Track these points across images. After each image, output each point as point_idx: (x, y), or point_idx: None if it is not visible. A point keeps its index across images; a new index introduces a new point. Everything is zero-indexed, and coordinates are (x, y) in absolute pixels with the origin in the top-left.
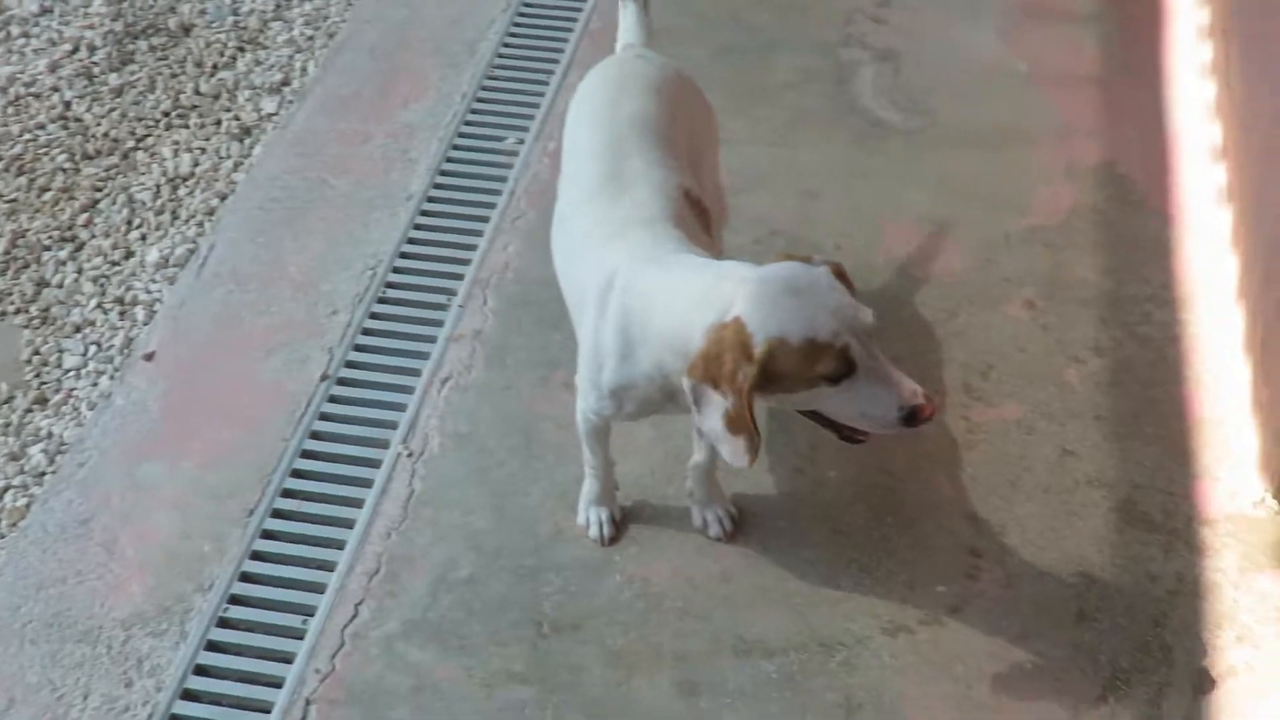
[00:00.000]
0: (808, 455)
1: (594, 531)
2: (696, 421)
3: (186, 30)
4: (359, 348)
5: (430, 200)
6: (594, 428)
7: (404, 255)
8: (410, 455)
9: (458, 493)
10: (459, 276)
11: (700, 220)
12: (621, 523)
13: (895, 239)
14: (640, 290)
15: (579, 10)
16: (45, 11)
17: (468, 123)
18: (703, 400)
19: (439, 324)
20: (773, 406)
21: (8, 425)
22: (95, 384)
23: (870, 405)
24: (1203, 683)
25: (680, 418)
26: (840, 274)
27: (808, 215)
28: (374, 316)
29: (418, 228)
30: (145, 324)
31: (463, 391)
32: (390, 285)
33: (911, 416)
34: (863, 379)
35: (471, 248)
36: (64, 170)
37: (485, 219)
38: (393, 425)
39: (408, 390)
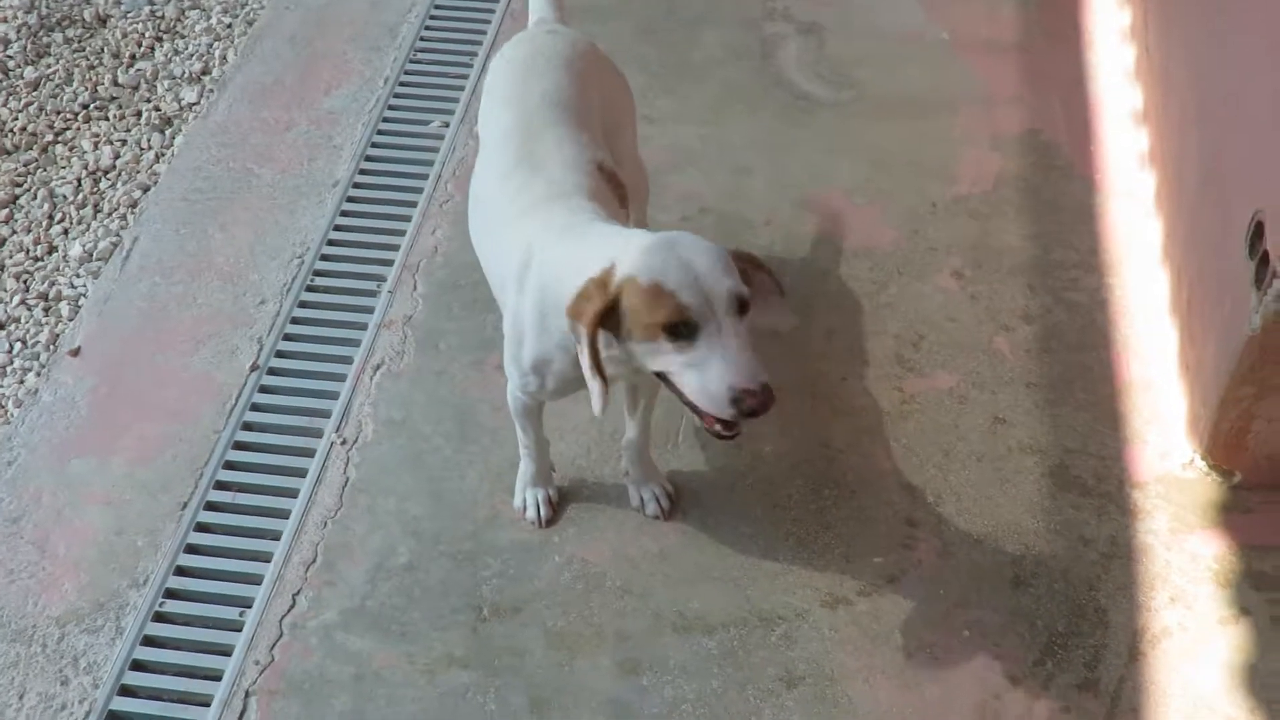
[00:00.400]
0: (744, 431)
1: (531, 513)
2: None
3: (102, 21)
4: (289, 337)
5: (356, 186)
6: (524, 407)
7: (331, 243)
8: (344, 443)
9: (393, 479)
10: (388, 262)
11: (616, 194)
12: (559, 504)
13: (824, 212)
14: (552, 261)
15: None
16: None
17: (391, 107)
18: (578, 339)
19: (369, 311)
20: (630, 363)
21: None
22: (21, 381)
23: (707, 379)
24: (1137, 644)
25: (614, 396)
26: (750, 261)
27: (738, 191)
28: (303, 305)
29: (345, 214)
30: (70, 319)
31: (395, 378)
32: (319, 273)
33: (739, 401)
34: (704, 347)
35: (399, 233)
36: None
37: (413, 204)
38: (325, 414)
39: (339, 378)
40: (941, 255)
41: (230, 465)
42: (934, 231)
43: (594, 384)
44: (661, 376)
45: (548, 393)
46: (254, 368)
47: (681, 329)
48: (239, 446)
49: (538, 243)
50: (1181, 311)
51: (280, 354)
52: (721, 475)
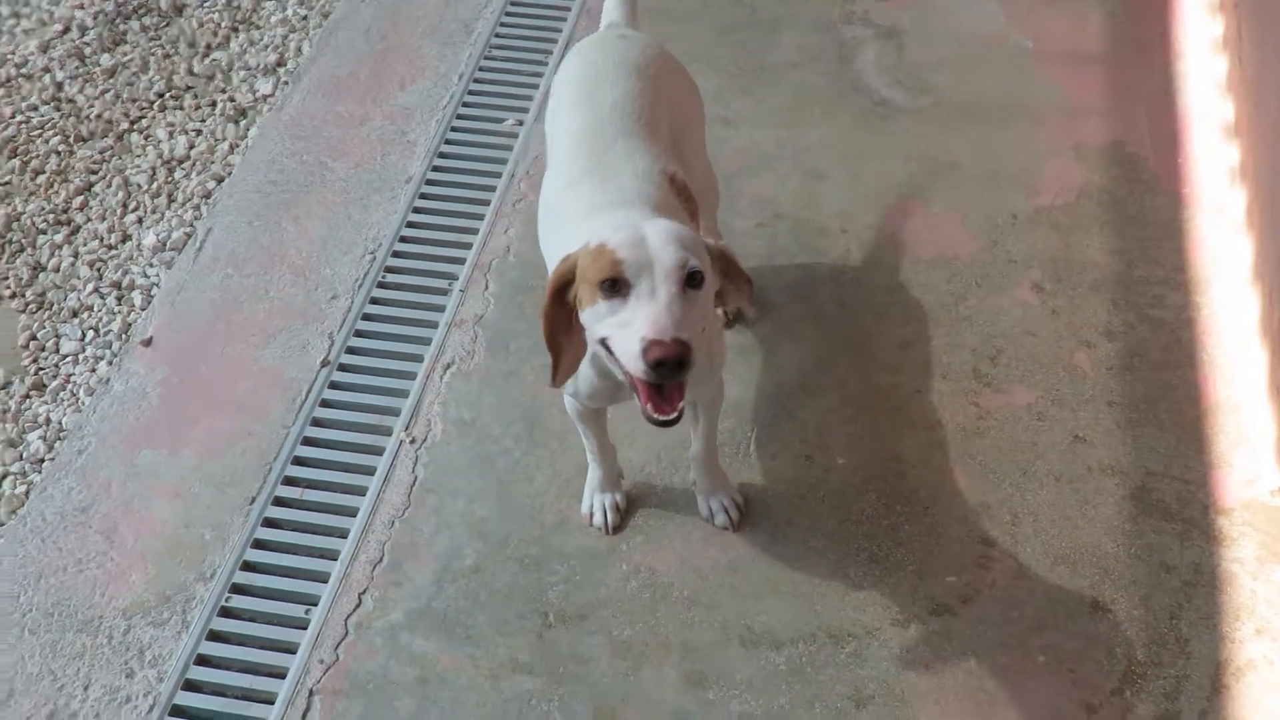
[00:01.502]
0: (816, 442)
1: (598, 519)
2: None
3: (179, 10)
4: (360, 333)
5: (429, 183)
6: (579, 413)
7: (404, 239)
8: (413, 442)
9: (461, 480)
10: (460, 261)
11: (686, 207)
12: (627, 511)
13: (901, 220)
14: None
15: None
16: None
17: (466, 104)
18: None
19: (440, 309)
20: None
21: (5, 412)
22: (94, 370)
23: (628, 336)
24: (1220, 676)
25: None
26: (725, 259)
27: (813, 197)
28: (374, 301)
29: (417, 211)
30: (143, 309)
31: (465, 378)
32: (390, 270)
33: (646, 352)
34: (631, 305)
35: (472, 231)
36: (58, 153)
37: (485, 202)
38: (395, 412)
39: (409, 376)
40: (1021, 268)
41: (299, 461)
42: (1014, 243)
43: (552, 356)
44: (609, 350)
45: (584, 397)
46: (324, 363)
47: (615, 285)
48: (308, 442)
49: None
50: (1272, 332)
51: (351, 350)
52: (792, 487)
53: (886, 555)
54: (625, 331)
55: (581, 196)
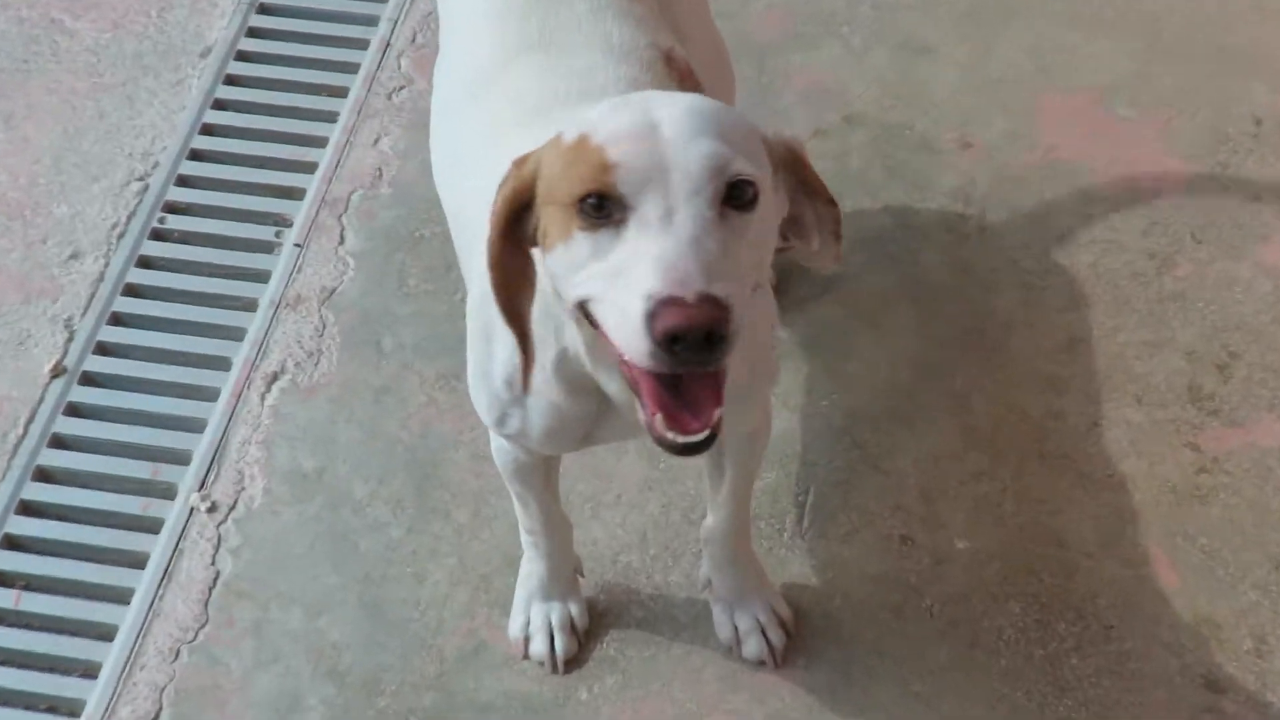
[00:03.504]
0: (917, 511)
1: (539, 647)
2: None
3: None
4: (119, 320)
5: (242, 59)
6: (515, 464)
7: (196, 156)
8: (212, 510)
9: (298, 578)
10: (295, 194)
11: None
12: (589, 633)
13: (1063, 129)
14: None
15: None
16: None
17: None
18: (490, 266)
19: (261, 278)
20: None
21: None
22: None
23: (625, 293)
24: None
25: None
26: (793, 155)
27: (911, 86)
28: (144, 265)
29: (220, 107)
30: None
31: (305, 398)
32: (173, 209)
33: (653, 318)
34: (630, 239)
35: (316, 143)
36: None
37: (340, 92)
38: (180, 458)
39: (206, 396)
40: (1271, 211)
41: (12, 545)
42: (1257, 169)
43: (509, 337)
44: (593, 324)
45: (535, 437)
46: (57, 372)
47: (603, 206)
48: (29, 511)
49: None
50: None
51: (103, 350)
52: (877, 590)
53: (1044, 710)
54: (617, 285)
55: (516, 89)
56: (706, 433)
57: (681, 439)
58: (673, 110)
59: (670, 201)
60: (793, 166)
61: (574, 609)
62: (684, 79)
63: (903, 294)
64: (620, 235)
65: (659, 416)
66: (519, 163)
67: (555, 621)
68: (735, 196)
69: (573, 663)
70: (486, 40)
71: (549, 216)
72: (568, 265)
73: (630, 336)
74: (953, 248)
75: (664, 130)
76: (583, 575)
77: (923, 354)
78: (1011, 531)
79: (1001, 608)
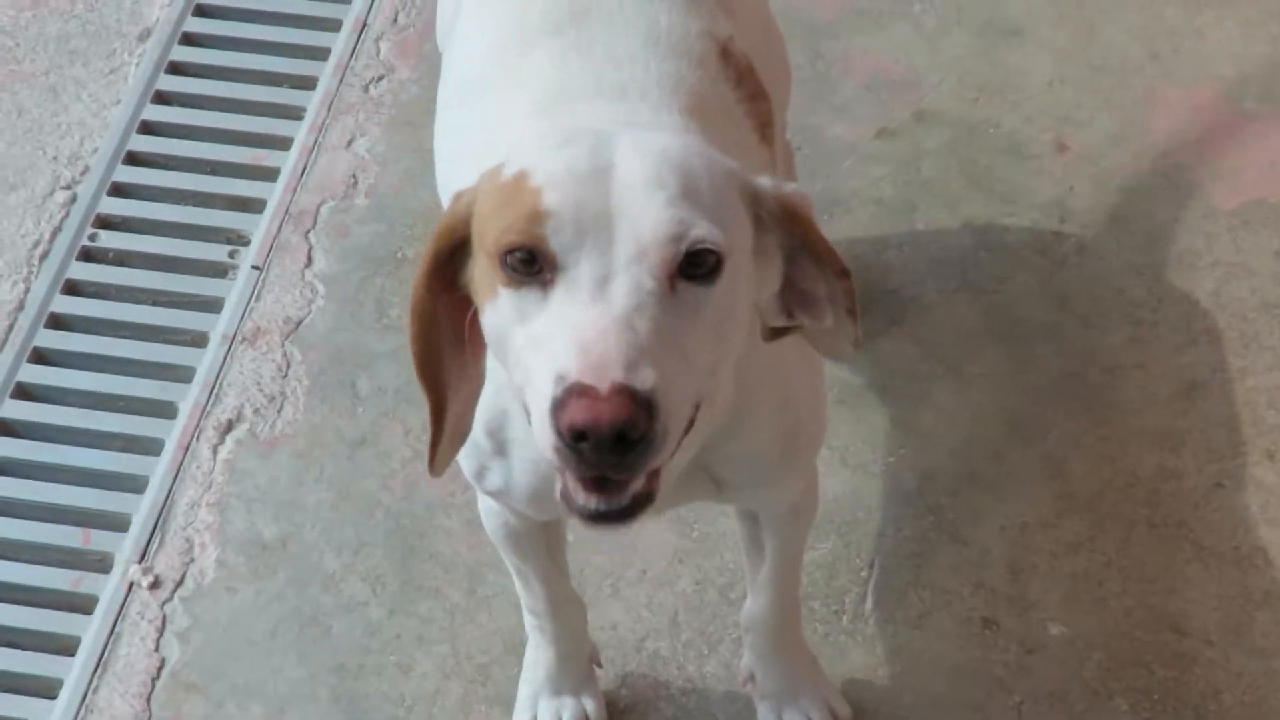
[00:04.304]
0: (1004, 591)
1: None
2: None
3: None
4: (42, 358)
5: (188, 42)
6: (506, 529)
7: (133, 160)
8: (155, 585)
9: (259, 666)
10: (253, 206)
11: (753, 108)
12: None
13: (1178, 128)
14: None
15: None
16: None
17: None
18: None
19: (212, 307)
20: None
21: None
22: None
23: (539, 363)
24: None
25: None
26: (793, 213)
27: (994, 76)
28: (72, 291)
29: (163, 101)
30: None
31: (265, 450)
32: (106, 224)
33: (560, 406)
34: (555, 303)
35: (279, 144)
36: None
37: (307, 83)
38: (119, 523)
39: (149, 448)
40: None
41: None
42: None
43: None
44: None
45: (518, 491)
46: None
47: (532, 261)
48: None
49: None
50: None
51: (24, 393)
52: (956, 684)
53: None
54: (536, 359)
55: (534, 75)
56: (625, 503)
57: (594, 505)
58: (633, 152)
59: (607, 266)
60: (792, 227)
61: (589, 706)
62: (741, 80)
63: (987, 330)
64: (547, 298)
65: (570, 483)
66: (458, 195)
67: (565, 718)
68: (692, 266)
69: None
70: (507, 15)
71: (480, 266)
72: (493, 330)
73: (537, 423)
74: (1047, 274)
75: (617, 176)
76: (600, 665)
77: (1011, 403)
78: (1116, 615)
79: (1105, 705)
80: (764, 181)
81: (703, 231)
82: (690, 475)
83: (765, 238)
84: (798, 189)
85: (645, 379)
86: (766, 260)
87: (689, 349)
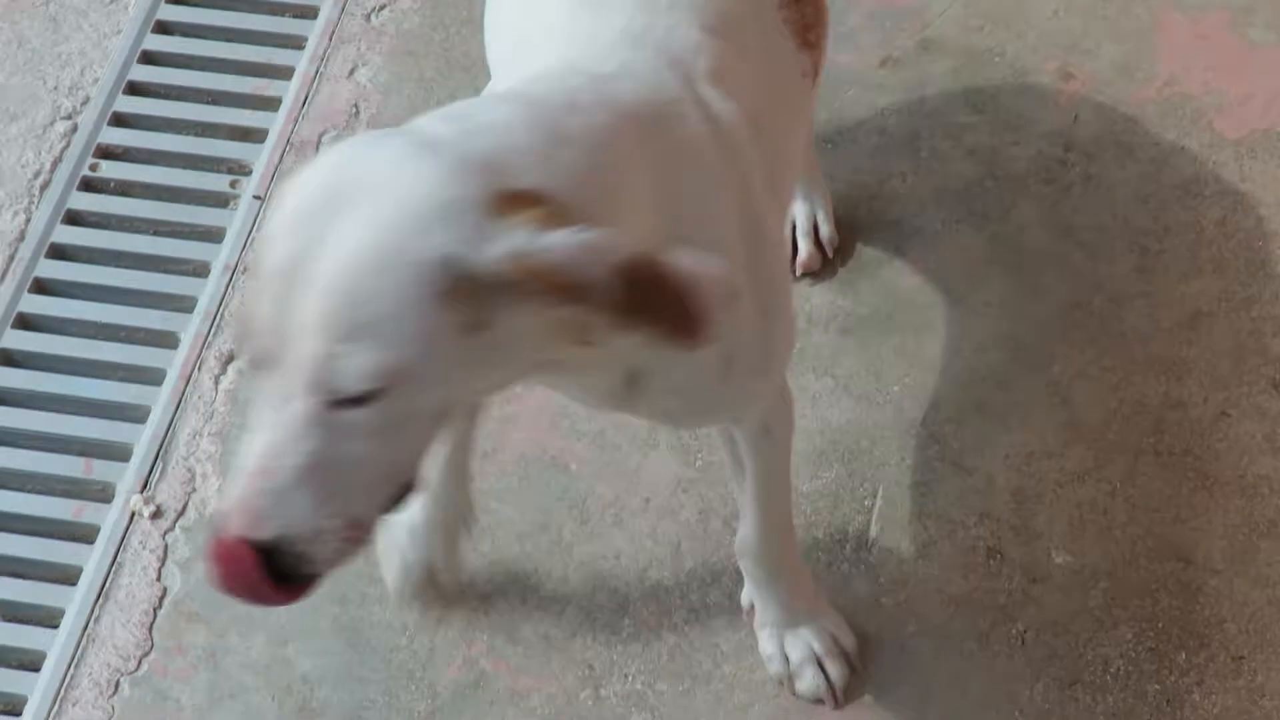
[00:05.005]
0: (1008, 519)
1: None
2: None
3: None
4: (43, 287)
5: None
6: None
7: (134, 90)
8: (157, 515)
9: None
10: (254, 135)
11: (791, 11)
12: (614, 666)
13: (1184, 56)
14: None
15: None
16: None
17: None
18: None
19: (214, 237)
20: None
21: None
22: None
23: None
24: None
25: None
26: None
27: (1000, 4)
28: (73, 221)
29: (164, 30)
30: None
31: None
32: (107, 154)
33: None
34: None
35: (280, 73)
36: None
37: (308, 12)
38: (120, 452)
39: (150, 378)
40: None
41: None
42: None
43: None
44: None
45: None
46: None
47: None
48: None
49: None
50: None
51: (25, 323)
52: (960, 613)
53: None
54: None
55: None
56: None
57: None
58: (342, 230)
59: (288, 377)
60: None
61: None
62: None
63: (992, 259)
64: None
65: None
66: None
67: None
68: (337, 391)
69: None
70: None
71: None
72: None
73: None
74: (1052, 202)
75: (309, 264)
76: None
77: (1016, 332)
78: (1121, 544)
79: (1109, 635)
80: (519, 242)
81: (352, 368)
82: (636, 406)
83: (517, 304)
84: (581, 240)
85: (266, 529)
86: (523, 319)
87: (356, 464)
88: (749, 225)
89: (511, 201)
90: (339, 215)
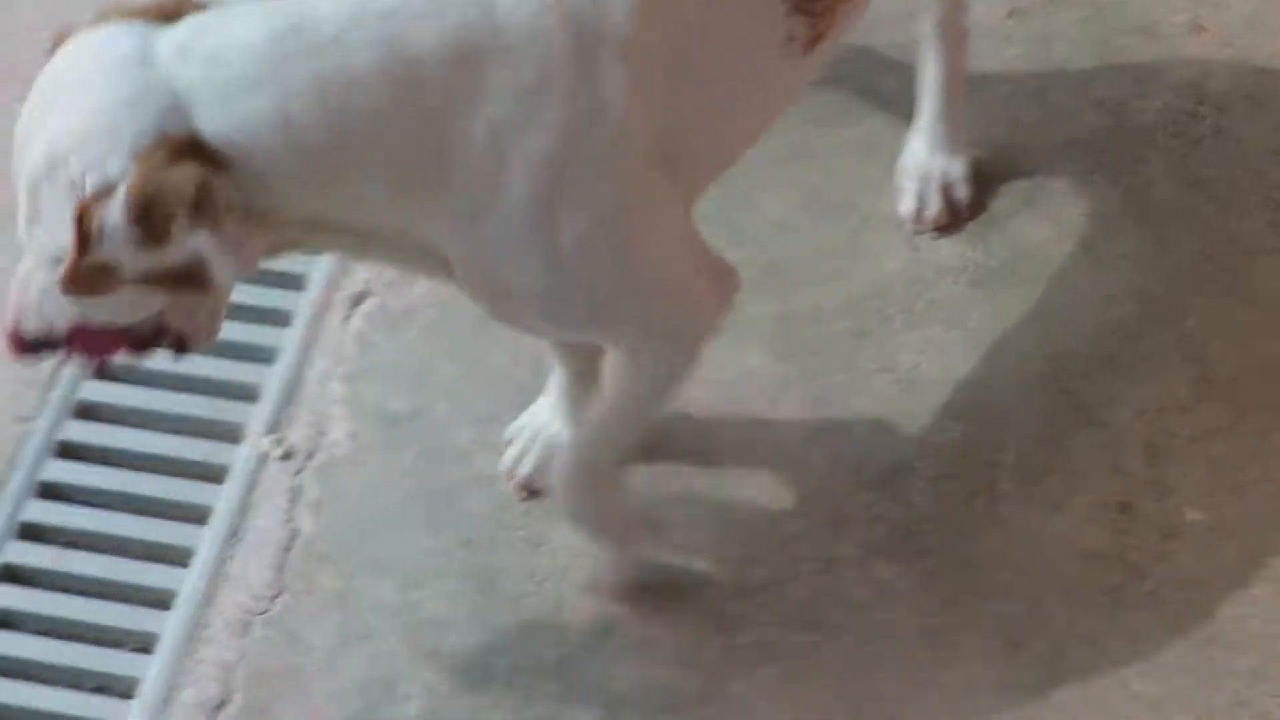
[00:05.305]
0: (1143, 474)
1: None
2: None
3: None
4: None
5: None
6: None
7: None
8: (287, 456)
9: (391, 538)
10: None
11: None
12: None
13: None
14: None
15: None
16: None
17: None
18: None
19: None
20: None
21: None
22: None
23: None
24: None
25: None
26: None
27: None
28: None
29: None
30: None
31: (395, 323)
32: None
33: None
34: None
35: None
36: None
37: None
38: (250, 393)
39: (279, 319)
40: None
41: (49, 493)
42: None
43: None
44: None
45: None
46: None
47: None
48: (67, 454)
49: None
50: None
51: None
52: (1091, 569)
53: None
54: None
55: None
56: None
57: None
58: (45, 122)
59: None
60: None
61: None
62: None
63: (1123, 212)
64: None
65: None
66: None
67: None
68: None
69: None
70: None
71: None
72: None
73: None
74: (1183, 156)
75: (26, 147)
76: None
77: (1147, 286)
78: (1256, 501)
79: (1242, 594)
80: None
81: (35, 245)
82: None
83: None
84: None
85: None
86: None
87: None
88: (580, 180)
89: (175, 150)
90: (53, 107)
